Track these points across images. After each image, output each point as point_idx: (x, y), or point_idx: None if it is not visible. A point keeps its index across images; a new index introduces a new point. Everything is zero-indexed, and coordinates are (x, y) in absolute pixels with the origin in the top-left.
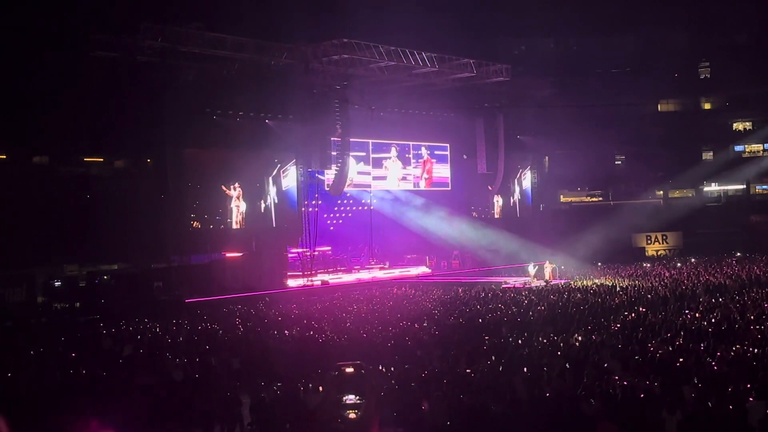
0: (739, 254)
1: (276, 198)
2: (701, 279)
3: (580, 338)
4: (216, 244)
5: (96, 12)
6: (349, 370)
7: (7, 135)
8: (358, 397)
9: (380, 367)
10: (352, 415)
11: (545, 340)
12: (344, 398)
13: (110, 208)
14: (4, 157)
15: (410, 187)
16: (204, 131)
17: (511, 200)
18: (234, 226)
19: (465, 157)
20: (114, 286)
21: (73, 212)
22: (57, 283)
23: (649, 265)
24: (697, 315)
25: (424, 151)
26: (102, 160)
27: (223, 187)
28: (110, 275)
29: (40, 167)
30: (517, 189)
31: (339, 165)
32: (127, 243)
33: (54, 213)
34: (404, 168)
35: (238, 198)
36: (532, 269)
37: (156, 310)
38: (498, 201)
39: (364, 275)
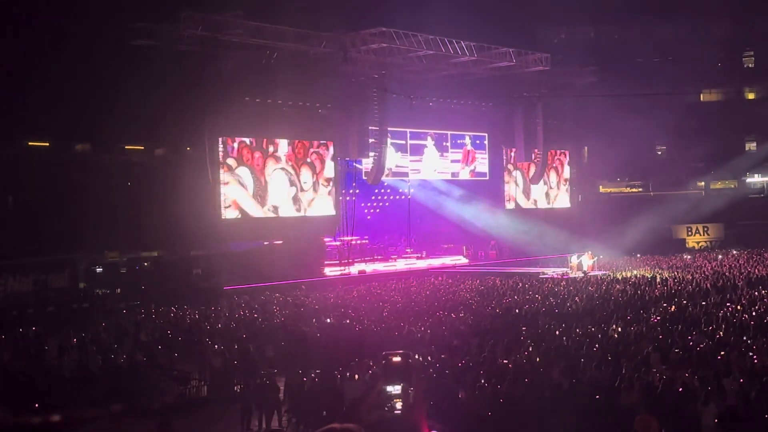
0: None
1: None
2: (743, 271)
3: (619, 330)
4: (255, 232)
5: (137, 1)
6: (396, 359)
7: (50, 123)
8: (404, 387)
9: (417, 357)
10: (398, 405)
11: (583, 332)
12: (391, 387)
13: (150, 195)
14: (47, 144)
15: (448, 176)
16: (244, 119)
17: (556, 191)
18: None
19: (503, 147)
20: (154, 273)
21: (114, 199)
22: (99, 269)
23: (689, 256)
24: (738, 308)
25: (467, 141)
26: (143, 148)
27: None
28: (150, 262)
29: (82, 155)
30: (556, 179)
31: (377, 154)
32: (167, 230)
33: (95, 200)
34: (441, 157)
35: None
36: (573, 260)
37: (195, 297)
38: (537, 191)
39: (401, 264)
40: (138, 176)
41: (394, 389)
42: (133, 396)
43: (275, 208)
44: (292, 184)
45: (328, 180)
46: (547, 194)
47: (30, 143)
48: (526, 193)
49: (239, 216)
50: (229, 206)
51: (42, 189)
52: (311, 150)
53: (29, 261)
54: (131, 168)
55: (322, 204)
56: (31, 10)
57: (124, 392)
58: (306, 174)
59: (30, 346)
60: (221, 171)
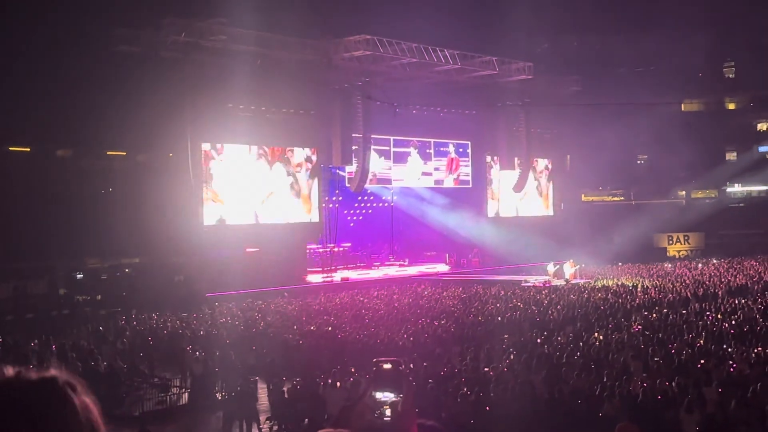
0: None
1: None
2: (723, 280)
3: (600, 338)
4: (237, 238)
5: (120, 7)
6: (387, 366)
7: (32, 128)
8: (395, 394)
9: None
10: (388, 412)
11: (564, 340)
12: (380, 395)
13: (132, 201)
14: (29, 150)
15: (431, 184)
16: (227, 126)
17: (538, 198)
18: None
19: (486, 155)
20: (135, 279)
21: (95, 206)
22: (79, 276)
23: (670, 265)
24: (718, 316)
25: (451, 149)
26: (124, 154)
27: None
28: (132, 268)
29: (63, 160)
30: (543, 187)
31: (360, 161)
32: (148, 236)
33: (76, 206)
34: (425, 165)
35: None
36: (552, 268)
37: (176, 304)
38: (520, 199)
39: (384, 272)
40: (120, 182)
41: (384, 396)
42: (113, 403)
43: (258, 203)
44: (271, 174)
45: (307, 163)
46: (529, 202)
47: (11, 148)
48: (508, 201)
49: (220, 221)
50: (210, 200)
51: (22, 194)
52: (287, 149)
53: (8, 267)
54: (113, 174)
55: (302, 193)
56: (13, 15)
57: (104, 399)
58: (282, 168)
59: (9, 354)
60: (202, 168)
